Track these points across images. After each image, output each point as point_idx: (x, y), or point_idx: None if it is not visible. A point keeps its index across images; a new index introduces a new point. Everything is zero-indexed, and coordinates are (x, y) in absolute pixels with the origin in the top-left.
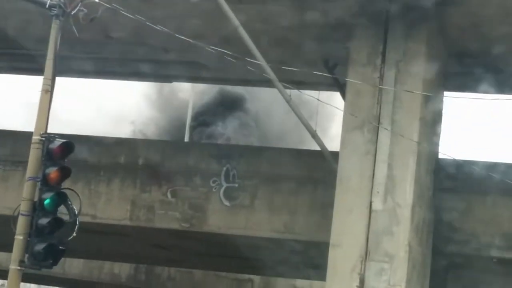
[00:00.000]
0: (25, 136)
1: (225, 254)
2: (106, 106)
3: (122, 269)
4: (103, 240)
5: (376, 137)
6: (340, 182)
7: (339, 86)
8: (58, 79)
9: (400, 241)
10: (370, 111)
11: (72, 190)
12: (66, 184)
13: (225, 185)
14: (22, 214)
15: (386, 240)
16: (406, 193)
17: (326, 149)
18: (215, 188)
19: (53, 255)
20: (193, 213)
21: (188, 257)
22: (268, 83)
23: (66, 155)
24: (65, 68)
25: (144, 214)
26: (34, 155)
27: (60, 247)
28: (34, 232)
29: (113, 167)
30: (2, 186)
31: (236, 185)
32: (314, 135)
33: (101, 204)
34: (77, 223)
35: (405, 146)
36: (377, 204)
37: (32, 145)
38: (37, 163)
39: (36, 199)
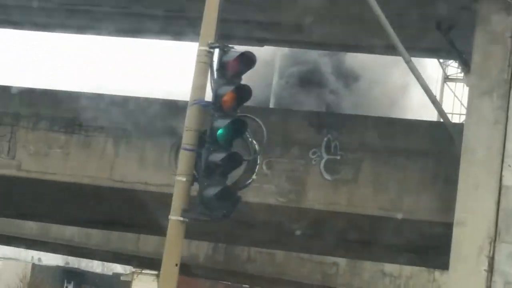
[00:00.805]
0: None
1: (322, 233)
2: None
3: (200, 249)
4: None
5: (507, 103)
6: (465, 154)
7: (457, 51)
8: None
9: None
10: (501, 75)
11: (252, 118)
12: None
13: (326, 157)
14: (185, 149)
15: None
16: None
17: (447, 117)
18: (314, 161)
19: (227, 204)
20: (291, 187)
21: (279, 236)
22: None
23: (245, 70)
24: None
25: None
26: (199, 71)
27: (237, 194)
28: (204, 172)
29: None
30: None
31: (339, 157)
32: (435, 101)
33: None
34: (258, 162)
35: None
36: (509, 179)
37: (196, 59)
38: (203, 82)
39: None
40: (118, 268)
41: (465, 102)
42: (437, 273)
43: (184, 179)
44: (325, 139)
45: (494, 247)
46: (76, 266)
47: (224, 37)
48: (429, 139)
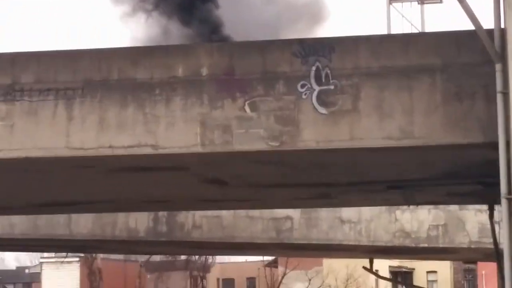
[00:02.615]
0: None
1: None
2: None
3: (139, 222)
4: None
5: None
6: None
7: None
8: None
9: None
10: None
11: None
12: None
13: (317, 88)
14: None
15: None
16: None
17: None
18: (305, 94)
19: None
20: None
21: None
22: None
23: None
24: None
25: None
26: None
27: None
28: None
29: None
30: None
31: (332, 87)
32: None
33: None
34: None
35: None
36: None
37: None
38: None
39: None
40: (23, 260)
41: None
42: (398, 212)
43: None
44: (314, 68)
45: None
46: None
47: None
48: (433, 52)
